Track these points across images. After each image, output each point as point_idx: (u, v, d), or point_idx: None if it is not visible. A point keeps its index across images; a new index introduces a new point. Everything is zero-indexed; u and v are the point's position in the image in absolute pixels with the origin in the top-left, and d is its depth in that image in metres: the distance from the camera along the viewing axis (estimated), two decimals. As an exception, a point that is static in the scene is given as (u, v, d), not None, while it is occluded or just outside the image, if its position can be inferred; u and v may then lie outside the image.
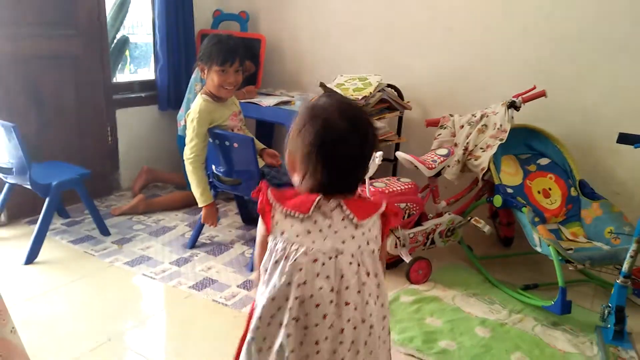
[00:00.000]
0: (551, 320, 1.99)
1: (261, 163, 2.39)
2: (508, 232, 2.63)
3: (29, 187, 2.32)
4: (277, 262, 0.96)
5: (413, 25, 2.89)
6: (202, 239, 2.59)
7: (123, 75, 3.55)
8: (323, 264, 0.95)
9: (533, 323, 1.98)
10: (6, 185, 2.48)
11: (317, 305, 0.94)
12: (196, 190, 2.31)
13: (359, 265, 0.97)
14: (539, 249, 2.06)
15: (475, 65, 2.75)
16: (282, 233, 0.97)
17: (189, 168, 2.29)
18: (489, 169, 2.29)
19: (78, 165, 2.63)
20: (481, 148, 2.34)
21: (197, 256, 2.44)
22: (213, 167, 2.41)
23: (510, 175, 2.35)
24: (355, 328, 0.96)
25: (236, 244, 2.60)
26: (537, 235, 2.03)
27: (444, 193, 2.49)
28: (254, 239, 2.57)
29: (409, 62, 2.94)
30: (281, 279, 0.95)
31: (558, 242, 2.04)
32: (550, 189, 2.34)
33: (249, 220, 2.81)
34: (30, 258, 2.29)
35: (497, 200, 2.21)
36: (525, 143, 2.45)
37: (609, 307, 1.87)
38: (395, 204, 2.16)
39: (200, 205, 2.34)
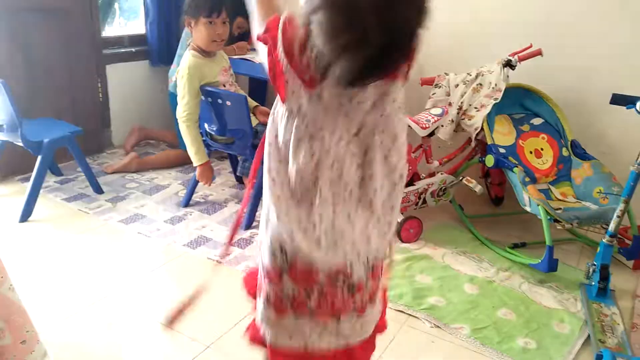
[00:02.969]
0: (538, 277, 2.05)
1: (254, 121, 2.38)
2: (499, 192, 2.66)
3: (20, 144, 2.31)
4: (300, 140, 0.80)
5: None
6: (195, 197, 2.61)
7: (113, 29, 3.45)
8: (348, 142, 0.80)
9: (520, 280, 2.04)
10: (-3, 143, 2.46)
11: (347, 186, 0.82)
12: (190, 149, 2.31)
13: (383, 131, 0.83)
14: (528, 209, 2.09)
15: (471, 23, 2.69)
16: (300, 108, 0.79)
17: (182, 126, 2.28)
18: (482, 128, 2.29)
19: (68, 122, 2.60)
20: (475, 108, 2.33)
21: (191, 215, 2.46)
22: (206, 125, 2.40)
23: (503, 135, 2.36)
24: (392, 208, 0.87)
25: (230, 202, 2.62)
26: (527, 195, 2.06)
27: (436, 153, 2.50)
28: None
29: (404, 18, 2.88)
30: (308, 158, 0.80)
31: (547, 202, 2.08)
32: (542, 149, 2.35)
33: (242, 179, 2.82)
34: (25, 216, 2.30)
35: (490, 160, 2.23)
36: (520, 103, 2.44)
37: (594, 265, 1.92)
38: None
39: (195, 164, 2.34)
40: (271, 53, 0.78)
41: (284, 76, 0.77)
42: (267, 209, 0.89)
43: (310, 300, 0.89)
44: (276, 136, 0.84)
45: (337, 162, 0.81)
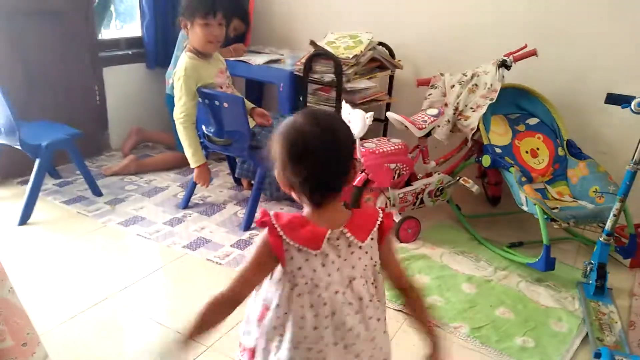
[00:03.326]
0: (535, 276, 2.06)
1: (252, 123, 2.39)
2: (496, 192, 2.67)
3: (19, 147, 2.31)
4: (299, 295, 0.97)
5: (405, -19, 2.83)
6: (194, 199, 2.62)
7: (109, 32, 3.45)
8: (343, 293, 0.98)
9: (517, 279, 2.05)
10: (-5, 146, 2.46)
11: (350, 329, 0.99)
12: (188, 151, 2.31)
13: (366, 282, 1.01)
14: (525, 208, 2.11)
15: (467, 23, 2.71)
16: (300, 268, 0.96)
17: (179, 128, 2.29)
18: (478, 129, 2.31)
19: (67, 125, 2.60)
20: (471, 108, 2.35)
21: (190, 216, 2.47)
22: (203, 127, 2.41)
23: (499, 135, 2.37)
24: (384, 333, 1.06)
25: (228, 204, 2.62)
26: (524, 194, 2.07)
27: (433, 153, 2.52)
28: (245, 200, 2.61)
29: (400, 20, 2.89)
30: (308, 312, 0.97)
31: (544, 201, 2.09)
32: (538, 149, 2.37)
33: (240, 180, 2.83)
34: (24, 219, 2.30)
35: (486, 160, 2.24)
36: (515, 103, 2.46)
37: (591, 263, 1.94)
38: (385, 165, 2.18)
39: (192, 165, 2.35)
40: (272, 232, 0.96)
41: (282, 249, 0.96)
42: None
43: None
44: (277, 304, 0.99)
45: (339, 312, 0.98)
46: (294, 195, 1.01)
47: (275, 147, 0.98)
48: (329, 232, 0.97)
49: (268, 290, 1.01)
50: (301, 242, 0.96)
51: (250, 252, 1.00)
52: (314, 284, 0.96)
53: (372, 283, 1.02)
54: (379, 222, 1.02)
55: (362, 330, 1.00)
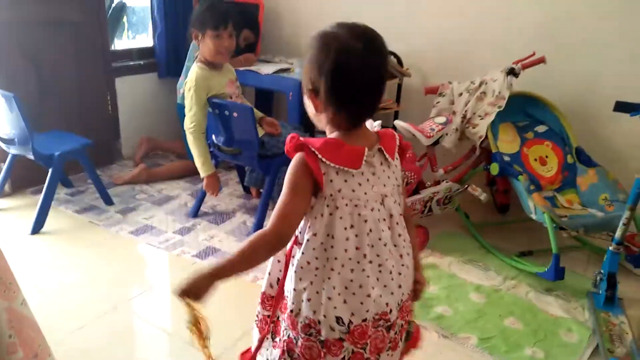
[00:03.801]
0: (545, 286, 2.05)
1: (261, 132, 2.41)
2: (504, 200, 2.66)
3: (32, 157, 2.35)
4: (341, 218, 0.95)
5: (413, -10, 2.84)
6: (204, 208, 2.64)
7: (121, 42, 3.51)
8: (378, 210, 0.98)
9: (527, 289, 2.04)
10: (9, 156, 2.51)
11: (385, 244, 0.99)
12: (197, 160, 2.34)
13: (395, 200, 1.02)
14: (534, 216, 2.09)
15: (474, 32, 2.71)
16: (339, 190, 0.94)
17: (189, 138, 2.31)
18: (486, 136, 2.30)
19: (78, 134, 2.64)
20: (479, 116, 2.34)
21: (199, 225, 2.49)
22: (213, 136, 2.43)
23: (507, 142, 2.36)
24: (408, 254, 1.05)
25: (237, 212, 2.64)
26: (532, 202, 2.06)
27: (441, 161, 2.51)
28: (255, 208, 2.62)
29: (408, 29, 2.90)
30: (351, 232, 0.96)
31: (553, 210, 2.08)
32: (547, 157, 2.35)
33: (249, 189, 2.85)
34: (36, 228, 2.34)
35: (494, 168, 2.24)
36: (523, 110, 2.45)
37: (601, 273, 1.92)
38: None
39: (202, 175, 2.37)
40: (309, 155, 0.94)
41: (321, 171, 0.94)
42: (311, 294, 0.99)
43: (365, 352, 1.01)
44: (314, 233, 0.97)
45: (375, 228, 0.98)
46: (317, 112, 0.97)
47: (312, 65, 0.94)
48: (367, 150, 0.96)
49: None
50: (341, 163, 0.93)
51: (285, 183, 0.96)
52: (353, 204, 0.95)
53: (397, 202, 1.03)
54: (398, 143, 1.03)
55: (392, 247, 1.01)
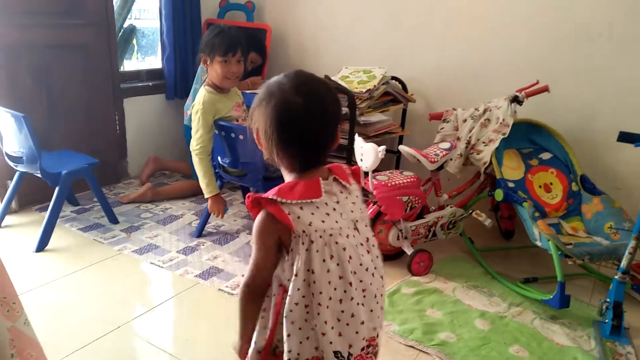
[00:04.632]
0: (550, 313, 2.03)
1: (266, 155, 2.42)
2: (509, 225, 2.66)
3: (39, 175, 2.37)
4: (318, 252, 0.96)
5: (418, 18, 2.89)
6: (208, 227, 2.64)
7: (131, 63, 3.57)
8: (354, 236, 1.00)
9: (532, 316, 2.02)
10: (17, 174, 2.53)
11: (367, 269, 1.01)
12: (202, 181, 2.35)
13: (366, 224, 1.05)
14: (538, 243, 2.09)
15: (478, 59, 2.75)
16: (310, 224, 0.95)
17: (195, 159, 2.33)
18: (491, 162, 2.31)
19: (86, 153, 2.67)
20: (483, 142, 2.36)
21: (203, 245, 2.49)
22: (219, 158, 2.45)
23: (512, 169, 2.37)
24: (381, 277, 1.08)
25: (242, 233, 2.65)
26: (537, 229, 2.06)
27: (446, 186, 2.52)
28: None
29: (413, 54, 2.95)
30: (331, 263, 0.97)
31: (557, 237, 2.07)
32: (551, 184, 2.36)
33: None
34: (41, 246, 2.35)
35: (499, 194, 2.24)
36: (528, 137, 2.46)
37: (607, 302, 1.90)
38: (398, 197, 2.19)
39: (206, 195, 2.38)
40: (268, 204, 0.97)
41: (284, 213, 0.95)
42: (306, 334, 1.00)
43: None
44: (296, 273, 0.98)
45: (355, 254, 1.00)
46: (277, 162, 1.01)
47: (258, 116, 0.98)
48: (321, 180, 0.99)
49: (281, 271, 1.00)
50: (300, 197, 0.95)
51: (253, 239, 1.01)
52: (328, 234, 0.96)
53: (367, 225, 1.06)
54: (348, 170, 1.06)
55: (373, 270, 1.02)
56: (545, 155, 2.42)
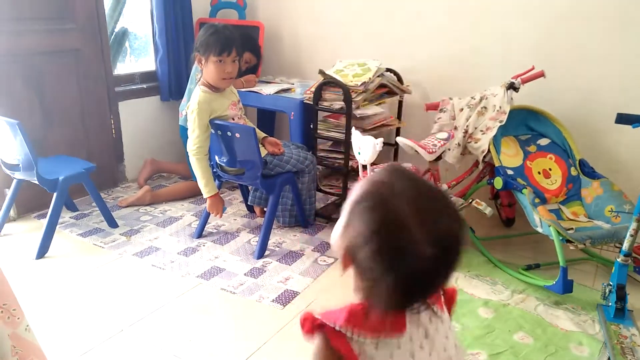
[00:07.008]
0: (553, 299, 2.03)
1: (263, 152, 2.42)
2: (509, 213, 2.65)
3: (36, 182, 2.36)
4: None
5: (411, 9, 2.88)
6: (208, 228, 2.64)
7: (124, 66, 3.55)
8: None
9: (535, 303, 2.02)
10: (14, 182, 2.52)
11: None
12: (200, 181, 2.35)
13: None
14: (540, 230, 2.08)
15: (473, 47, 2.74)
16: None
17: (192, 159, 2.33)
18: (489, 151, 2.31)
19: (83, 158, 2.66)
20: (481, 130, 2.35)
21: (204, 245, 2.48)
22: (216, 157, 2.44)
23: (510, 156, 2.37)
24: None
25: (242, 232, 2.64)
26: (538, 216, 2.05)
27: (445, 176, 2.52)
28: (259, 227, 2.62)
29: (408, 46, 2.93)
30: None
31: (558, 222, 2.07)
32: (550, 169, 2.35)
33: (253, 208, 2.85)
34: (41, 252, 2.34)
35: (498, 182, 2.23)
36: (525, 124, 2.46)
37: (610, 285, 1.90)
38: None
39: (205, 196, 2.37)
40: (332, 335, 0.73)
41: (354, 354, 0.72)
42: None
43: None
44: None
45: None
46: (357, 283, 0.73)
47: (354, 216, 0.71)
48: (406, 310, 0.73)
49: None
50: (377, 333, 0.71)
51: None
52: None
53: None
54: (441, 291, 0.81)
55: None
56: (544, 141, 2.41)
